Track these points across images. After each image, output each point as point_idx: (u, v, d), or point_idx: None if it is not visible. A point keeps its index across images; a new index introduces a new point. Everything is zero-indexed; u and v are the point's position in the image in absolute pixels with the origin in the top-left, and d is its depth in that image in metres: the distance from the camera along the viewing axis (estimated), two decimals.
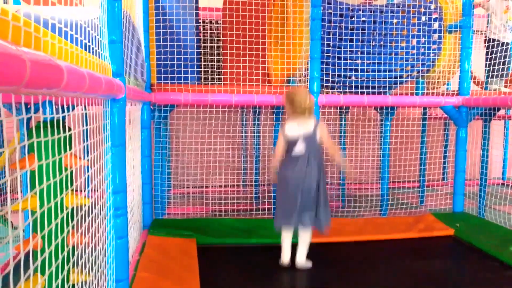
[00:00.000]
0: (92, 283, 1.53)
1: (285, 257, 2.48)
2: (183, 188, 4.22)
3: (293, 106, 2.37)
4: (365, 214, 3.67)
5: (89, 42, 1.36)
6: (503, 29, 3.48)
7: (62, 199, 1.80)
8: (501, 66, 3.44)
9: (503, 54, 3.44)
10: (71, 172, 1.91)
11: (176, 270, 2.23)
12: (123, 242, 1.75)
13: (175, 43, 3.11)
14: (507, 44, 3.51)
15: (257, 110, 4.11)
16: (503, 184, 5.33)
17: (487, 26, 3.62)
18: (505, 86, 3.67)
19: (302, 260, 2.46)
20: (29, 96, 1.43)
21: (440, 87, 3.72)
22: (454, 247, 2.90)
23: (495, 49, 3.49)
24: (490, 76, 3.60)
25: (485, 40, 3.64)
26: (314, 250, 2.54)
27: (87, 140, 1.52)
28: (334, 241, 2.90)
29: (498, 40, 3.51)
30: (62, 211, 1.81)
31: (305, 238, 2.45)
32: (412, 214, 3.63)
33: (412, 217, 3.38)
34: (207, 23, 4.14)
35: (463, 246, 2.89)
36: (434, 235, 3.04)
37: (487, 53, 3.63)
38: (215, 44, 3.64)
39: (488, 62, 3.58)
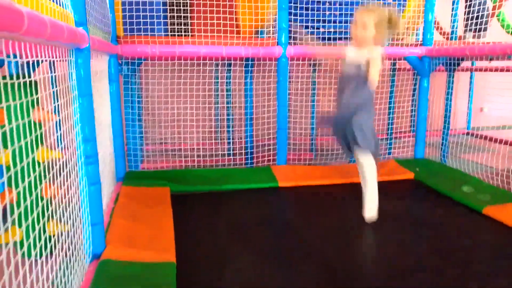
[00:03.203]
0: (70, 230, 1.61)
1: None
2: (155, 145, 4.25)
3: None
4: (334, 163, 3.83)
5: None
6: None
7: (32, 152, 1.84)
8: (479, 20, 3.55)
9: (481, 7, 3.54)
10: (41, 126, 1.94)
11: (150, 215, 2.34)
12: (96, 188, 1.83)
13: None
14: None
15: (228, 68, 4.11)
16: (467, 133, 5.61)
17: None
18: None
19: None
20: None
21: (405, 37, 3.81)
22: (413, 189, 3.12)
23: (473, 2, 3.59)
24: (468, 28, 3.73)
25: None
26: (283, 193, 2.71)
27: (55, 96, 1.54)
28: (301, 184, 3.08)
29: None
30: (34, 164, 1.85)
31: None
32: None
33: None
34: None
35: (421, 188, 3.11)
36: (395, 178, 3.25)
37: (465, 6, 3.74)
38: None
39: (467, 16, 3.69)
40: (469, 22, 3.70)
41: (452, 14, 4.13)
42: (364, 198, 2.48)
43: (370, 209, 2.44)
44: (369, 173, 2.43)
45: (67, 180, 1.56)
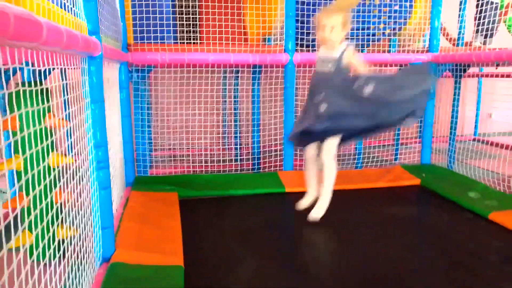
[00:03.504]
0: (82, 233, 1.65)
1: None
2: (164, 151, 4.30)
3: None
4: (340, 169, 3.84)
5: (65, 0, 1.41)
6: None
7: (45, 159, 1.89)
8: (488, 26, 3.60)
9: (491, 12, 3.60)
10: (53, 133, 2.00)
11: (158, 219, 2.38)
12: (107, 192, 1.87)
13: (151, 2, 3.11)
14: (495, 3, 3.68)
15: (236, 74, 4.16)
16: (474, 140, 5.60)
17: None
18: None
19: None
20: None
21: (412, 44, 3.84)
22: (419, 195, 3.13)
23: (484, 8, 3.63)
24: (478, 34, 3.79)
25: None
26: (290, 198, 2.74)
27: (67, 103, 1.59)
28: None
29: None
30: (47, 170, 1.90)
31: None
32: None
33: (382, 169, 3.59)
34: None
35: (427, 193, 3.12)
36: (401, 184, 3.26)
37: (477, 12, 3.78)
38: (191, 3, 3.63)
39: (477, 22, 3.74)
40: (480, 27, 3.72)
41: (459, 20, 4.15)
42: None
43: (320, 211, 2.48)
44: (330, 176, 2.48)
45: (78, 185, 1.61)
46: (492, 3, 3.71)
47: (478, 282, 1.86)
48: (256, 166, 3.67)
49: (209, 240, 2.29)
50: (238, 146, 4.24)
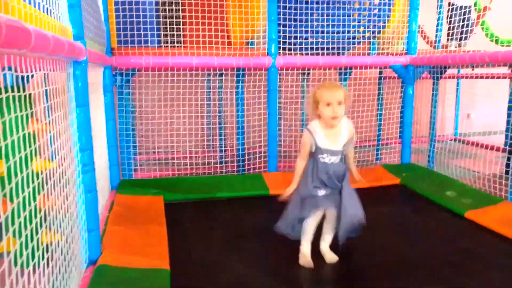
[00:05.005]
0: (68, 237, 1.66)
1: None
2: (149, 154, 4.30)
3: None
4: None
5: (50, 6, 1.43)
6: None
7: (27, 164, 1.89)
8: (461, 29, 3.74)
9: (462, 17, 3.74)
10: (36, 138, 1.99)
11: (144, 223, 2.40)
12: (93, 195, 1.89)
13: (134, 6, 3.13)
14: (466, 7, 3.82)
15: (219, 77, 4.20)
16: (455, 140, 5.74)
17: None
18: None
19: None
20: None
21: (391, 47, 3.94)
22: (399, 194, 3.22)
23: (453, 13, 3.77)
24: (451, 37, 3.93)
25: (449, 3, 3.92)
26: (274, 201, 2.78)
27: (51, 107, 1.59)
28: None
29: (455, 4, 3.82)
30: (29, 175, 1.90)
31: None
32: None
33: (364, 169, 3.68)
34: None
35: (407, 193, 3.21)
36: (382, 184, 3.35)
37: (447, 16, 3.92)
38: (175, 7, 3.65)
39: (449, 26, 3.88)
40: (451, 31, 3.87)
41: (436, 23, 4.28)
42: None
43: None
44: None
45: (64, 190, 1.61)
46: (462, 7, 3.83)
47: (441, 279, 1.92)
48: (241, 168, 3.71)
49: (195, 243, 2.32)
50: (223, 149, 4.27)
